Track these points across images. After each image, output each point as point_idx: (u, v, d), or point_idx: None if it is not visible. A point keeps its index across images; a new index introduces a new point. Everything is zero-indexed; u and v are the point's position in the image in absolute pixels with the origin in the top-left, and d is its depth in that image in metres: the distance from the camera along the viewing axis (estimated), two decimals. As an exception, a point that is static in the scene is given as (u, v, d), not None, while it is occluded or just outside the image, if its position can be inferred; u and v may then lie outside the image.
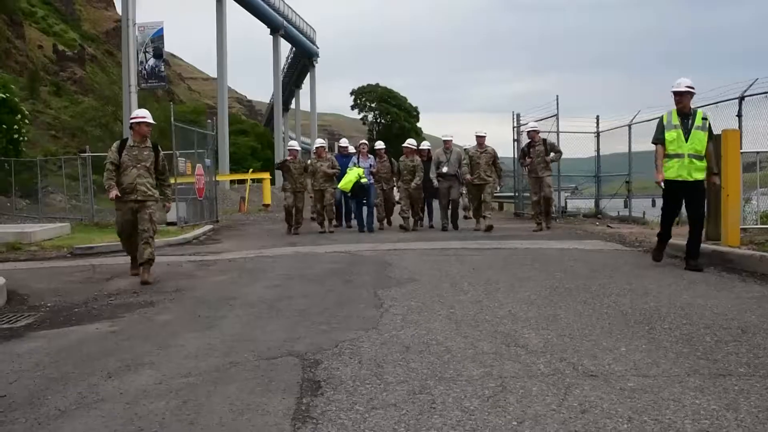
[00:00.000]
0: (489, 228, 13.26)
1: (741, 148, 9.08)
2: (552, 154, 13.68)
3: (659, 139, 7.91)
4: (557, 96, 16.57)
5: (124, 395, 3.51)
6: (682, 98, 7.77)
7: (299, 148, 15.35)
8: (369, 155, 14.82)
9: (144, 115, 8.29)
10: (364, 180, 14.00)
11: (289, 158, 14.72)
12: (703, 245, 8.50)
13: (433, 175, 14.36)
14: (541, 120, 17.09)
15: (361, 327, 4.93)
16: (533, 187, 13.94)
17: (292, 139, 17.28)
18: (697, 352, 4.00)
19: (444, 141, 14.56)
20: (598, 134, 17.14)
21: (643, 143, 15.94)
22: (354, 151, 16.18)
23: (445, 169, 14.10)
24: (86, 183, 20.67)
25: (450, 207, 14.41)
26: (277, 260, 9.58)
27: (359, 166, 14.29)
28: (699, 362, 3.79)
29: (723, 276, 7.03)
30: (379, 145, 15.37)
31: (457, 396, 3.29)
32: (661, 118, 8.08)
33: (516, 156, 19.16)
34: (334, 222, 14.92)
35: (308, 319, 5.29)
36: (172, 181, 19.19)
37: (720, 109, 11.65)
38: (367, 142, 15.66)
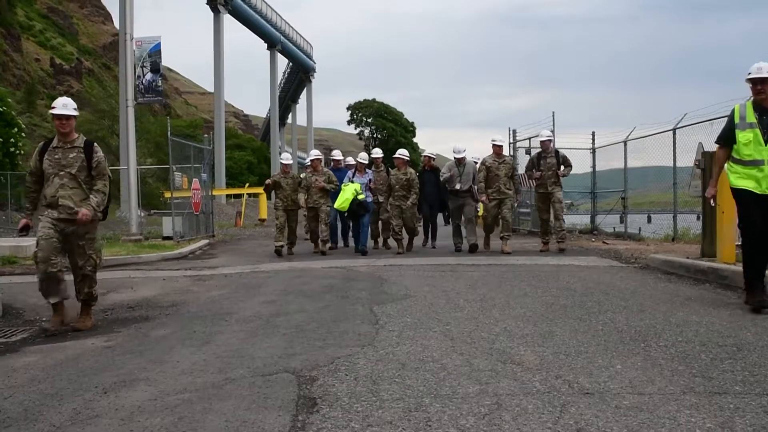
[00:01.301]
0: (507, 252, 11.79)
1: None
2: (563, 168, 12.21)
3: (724, 138, 6.35)
4: (553, 112, 16.68)
5: (119, 411, 3.50)
6: (764, 87, 6.09)
7: (290, 162, 13.98)
8: (367, 170, 13.20)
9: (56, 105, 6.26)
10: (361, 197, 12.45)
11: (278, 176, 13.39)
12: (698, 262, 8.55)
13: (449, 185, 12.68)
14: (537, 137, 17.21)
15: (356, 343, 4.93)
16: (542, 204, 12.51)
17: (287, 152, 14.71)
18: (693, 370, 4.00)
19: (456, 159, 12.60)
20: (594, 150, 17.21)
21: (639, 159, 16.07)
22: (351, 163, 14.72)
23: (458, 186, 12.40)
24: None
25: (466, 226, 12.60)
26: (272, 275, 9.58)
27: (354, 182, 12.72)
28: (694, 380, 3.80)
29: (718, 293, 7.04)
30: (377, 153, 14.07)
31: (452, 414, 3.29)
32: (732, 114, 6.37)
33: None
34: (329, 244, 13.44)
35: (304, 335, 5.28)
36: (167, 195, 19.33)
37: (715, 126, 11.71)
38: (365, 156, 13.85)
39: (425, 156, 14.37)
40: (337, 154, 15.16)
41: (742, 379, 3.80)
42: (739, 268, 7.72)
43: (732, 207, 8.69)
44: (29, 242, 14.00)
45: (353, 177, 12.97)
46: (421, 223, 14.21)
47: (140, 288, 8.56)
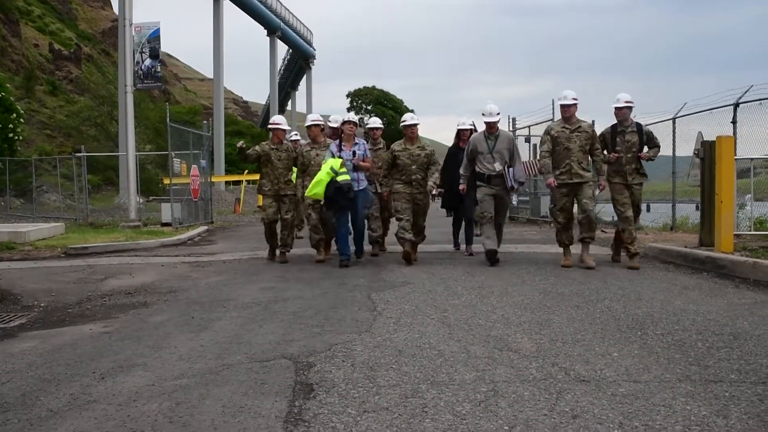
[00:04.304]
0: (590, 266, 8.16)
1: (735, 155, 9.13)
2: (647, 150, 8.46)
3: None
4: (552, 100, 16.61)
5: (117, 397, 3.51)
6: None
7: (287, 128, 10.18)
8: (357, 139, 9.02)
9: None
10: (343, 177, 8.46)
11: (267, 145, 9.63)
12: (696, 251, 8.55)
13: (461, 174, 9.01)
14: (538, 124, 17.14)
15: (354, 330, 4.94)
16: (618, 197, 8.46)
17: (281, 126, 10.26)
18: (689, 358, 4.01)
19: (486, 124, 8.69)
20: (593, 139, 17.12)
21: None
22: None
23: (497, 167, 8.59)
24: (81, 183, 20.70)
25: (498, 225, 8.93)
26: (270, 262, 9.57)
27: (338, 156, 8.71)
28: (690, 368, 3.81)
29: (716, 282, 7.05)
30: (375, 123, 10.54)
31: (448, 400, 3.30)
32: None
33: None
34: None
35: (302, 322, 5.29)
36: (166, 182, 19.28)
37: (715, 116, 11.72)
38: (354, 118, 9.40)
39: (462, 128, 10.08)
40: (335, 121, 10.21)
41: (737, 367, 3.81)
42: (737, 257, 7.75)
43: (731, 196, 8.73)
44: (27, 228, 14.03)
45: (339, 150, 8.83)
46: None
47: (138, 274, 8.56)
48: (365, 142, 9.28)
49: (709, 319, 5.13)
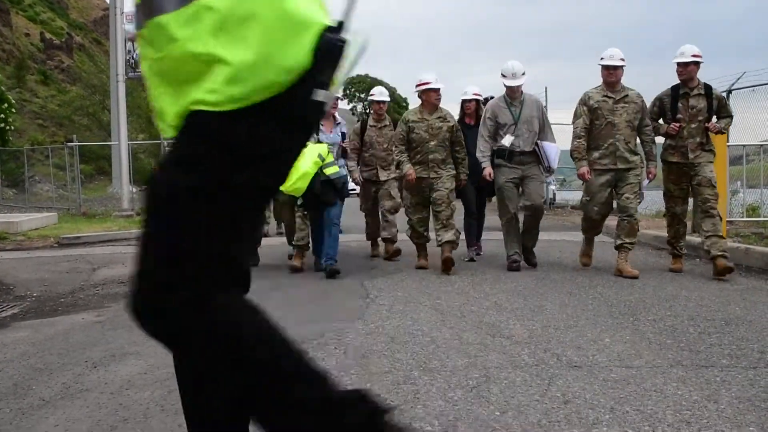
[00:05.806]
0: (632, 275, 6.42)
1: (727, 141, 9.14)
2: (716, 121, 6.53)
3: None
4: (546, 88, 16.67)
5: (109, 385, 3.51)
6: None
7: None
8: (339, 119, 7.64)
9: None
10: (332, 170, 6.85)
11: None
12: (688, 237, 8.56)
13: (481, 154, 7.06)
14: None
15: (346, 317, 4.94)
16: (674, 185, 6.80)
17: None
18: (681, 344, 4.03)
19: (508, 88, 7.03)
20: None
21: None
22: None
23: (507, 141, 6.95)
24: (73, 172, 20.58)
25: (526, 220, 7.31)
26: (263, 250, 9.55)
27: (320, 141, 7.03)
28: (682, 353, 3.82)
29: (708, 268, 7.06)
30: (381, 95, 8.38)
31: (440, 386, 3.30)
32: None
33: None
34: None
35: (294, 309, 5.29)
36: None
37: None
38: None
39: (467, 98, 8.14)
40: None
41: (729, 352, 3.83)
42: (729, 244, 7.78)
43: (724, 184, 8.75)
44: (20, 218, 13.98)
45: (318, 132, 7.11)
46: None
47: (131, 263, 8.53)
48: (344, 121, 7.81)
49: (701, 305, 5.15)
